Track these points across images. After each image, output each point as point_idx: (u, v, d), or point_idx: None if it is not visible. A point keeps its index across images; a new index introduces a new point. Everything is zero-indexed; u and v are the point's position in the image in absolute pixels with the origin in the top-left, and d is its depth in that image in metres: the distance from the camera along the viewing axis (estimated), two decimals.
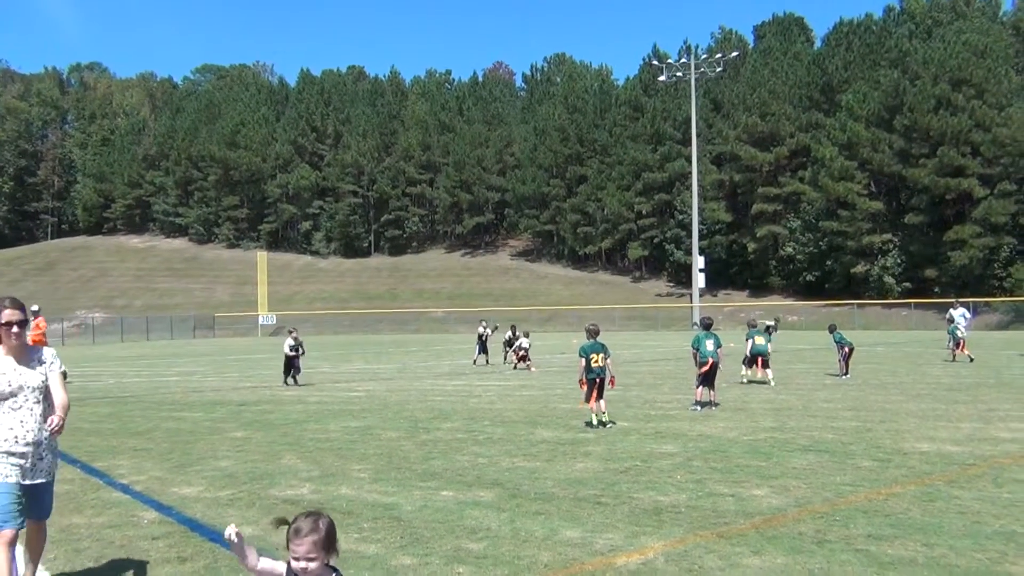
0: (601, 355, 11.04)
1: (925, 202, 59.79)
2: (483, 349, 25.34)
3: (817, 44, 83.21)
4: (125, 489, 7.71)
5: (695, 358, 13.19)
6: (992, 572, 4.87)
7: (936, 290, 57.19)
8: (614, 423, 11.11)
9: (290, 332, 19.85)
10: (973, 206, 57.62)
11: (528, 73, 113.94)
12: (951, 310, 29.50)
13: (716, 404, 12.97)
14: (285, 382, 19.10)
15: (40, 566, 5.03)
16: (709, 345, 13.04)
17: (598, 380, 11.01)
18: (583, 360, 11.10)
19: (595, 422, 10.93)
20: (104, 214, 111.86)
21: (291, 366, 19.13)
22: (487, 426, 11.50)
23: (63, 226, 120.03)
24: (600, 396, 11.04)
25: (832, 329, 19.41)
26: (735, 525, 5.94)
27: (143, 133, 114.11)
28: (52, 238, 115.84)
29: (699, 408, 12.68)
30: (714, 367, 12.94)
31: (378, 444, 10.08)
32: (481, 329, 25.77)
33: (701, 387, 12.93)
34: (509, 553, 5.38)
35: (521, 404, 14.16)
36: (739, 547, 5.40)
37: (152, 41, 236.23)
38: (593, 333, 11.41)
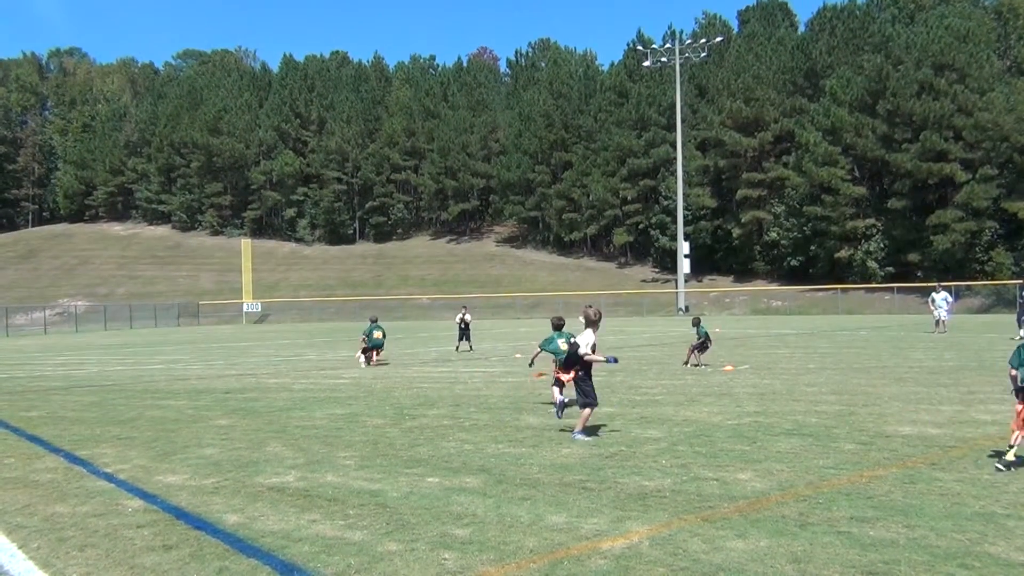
0: None
1: (908, 187, 60.10)
2: (464, 335, 25.33)
3: (801, 29, 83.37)
4: (109, 478, 7.67)
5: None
6: (972, 552, 4.92)
7: (919, 274, 57.61)
8: None
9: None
10: (955, 191, 57.97)
11: (512, 58, 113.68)
12: (933, 294, 30.03)
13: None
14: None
15: None
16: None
17: None
18: None
19: None
20: (85, 201, 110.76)
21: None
22: (473, 412, 11.50)
23: (44, 213, 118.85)
24: None
25: (696, 323, 18.20)
26: (719, 509, 5.98)
27: (124, 119, 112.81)
28: (33, 226, 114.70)
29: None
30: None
31: (364, 431, 10.06)
32: (460, 315, 25.77)
33: None
34: (495, 539, 5.40)
35: (506, 391, 14.18)
36: (723, 531, 5.43)
37: (132, 26, 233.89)
38: None
